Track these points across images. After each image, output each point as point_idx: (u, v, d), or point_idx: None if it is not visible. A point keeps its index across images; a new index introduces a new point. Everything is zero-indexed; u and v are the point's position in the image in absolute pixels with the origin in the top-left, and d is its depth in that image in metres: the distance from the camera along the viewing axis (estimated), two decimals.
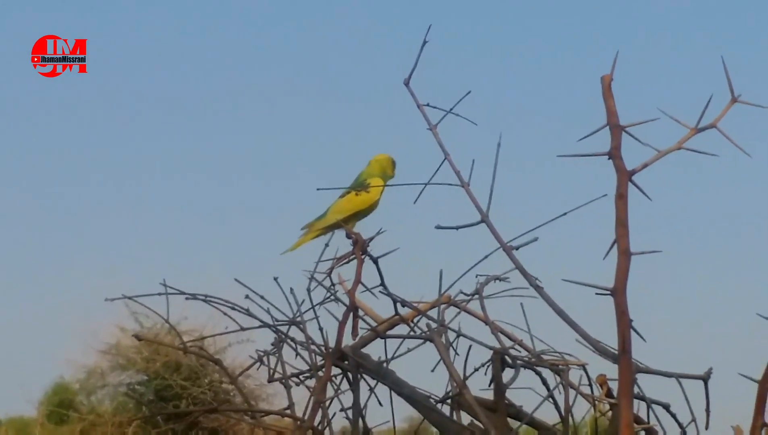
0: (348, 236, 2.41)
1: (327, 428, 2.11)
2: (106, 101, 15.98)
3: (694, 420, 2.13)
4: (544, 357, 2.27)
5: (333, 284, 2.38)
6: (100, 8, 15.86)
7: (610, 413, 2.27)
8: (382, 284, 2.34)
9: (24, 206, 16.27)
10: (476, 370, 2.27)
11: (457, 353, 2.30)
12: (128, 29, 16.17)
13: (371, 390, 2.31)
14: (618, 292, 1.75)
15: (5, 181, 15.89)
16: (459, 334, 2.28)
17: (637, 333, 1.77)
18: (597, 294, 1.76)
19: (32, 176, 16.23)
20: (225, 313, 2.33)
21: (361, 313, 2.40)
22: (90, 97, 15.94)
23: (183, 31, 16.55)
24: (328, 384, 2.18)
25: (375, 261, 2.34)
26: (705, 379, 2.04)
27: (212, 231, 15.54)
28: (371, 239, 2.36)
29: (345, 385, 2.28)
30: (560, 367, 2.25)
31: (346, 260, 2.39)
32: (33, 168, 16.23)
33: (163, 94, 16.51)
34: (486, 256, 2.15)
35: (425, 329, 2.27)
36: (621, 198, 1.81)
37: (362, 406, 2.25)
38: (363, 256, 2.35)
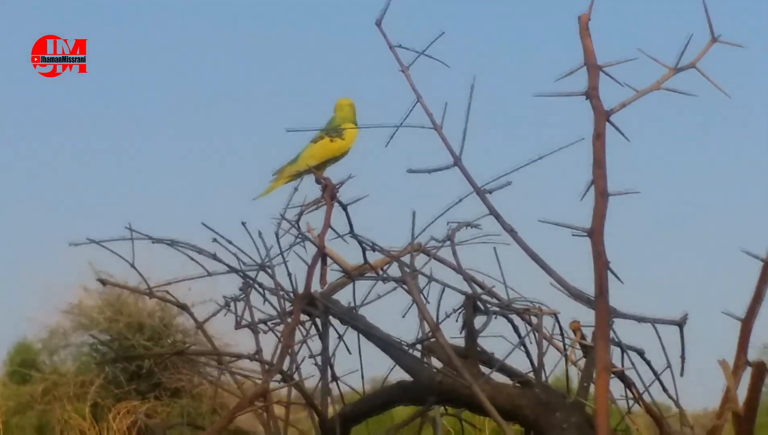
0: (317, 181, 2.36)
1: (296, 373, 2.07)
2: (106, 101, 15.83)
3: (669, 366, 2.10)
4: (516, 306, 2.24)
5: (301, 232, 2.34)
6: (100, 8, 15.68)
7: (582, 362, 2.24)
8: (352, 231, 2.30)
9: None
10: (448, 316, 2.23)
11: (427, 301, 2.26)
12: (128, 29, 15.98)
13: (340, 337, 2.27)
14: (595, 233, 1.72)
15: (5, 179, 15.71)
16: (431, 279, 2.23)
17: (615, 275, 1.73)
18: (574, 235, 1.73)
19: (31, 175, 16.06)
20: (192, 258, 2.29)
21: (329, 261, 2.36)
22: (90, 97, 15.79)
23: (182, 26, 16.39)
24: (297, 330, 2.14)
25: (344, 207, 2.30)
26: (680, 324, 2.00)
27: (179, 176, 15.40)
28: (341, 184, 2.32)
29: (314, 331, 2.25)
30: (532, 315, 2.21)
31: (315, 206, 2.35)
32: (32, 167, 16.04)
33: (162, 77, 16.35)
34: (459, 200, 2.11)
35: (395, 276, 2.23)
36: (598, 138, 1.78)
37: (331, 353, 2.22)
38: (332, 202, 2.30)
